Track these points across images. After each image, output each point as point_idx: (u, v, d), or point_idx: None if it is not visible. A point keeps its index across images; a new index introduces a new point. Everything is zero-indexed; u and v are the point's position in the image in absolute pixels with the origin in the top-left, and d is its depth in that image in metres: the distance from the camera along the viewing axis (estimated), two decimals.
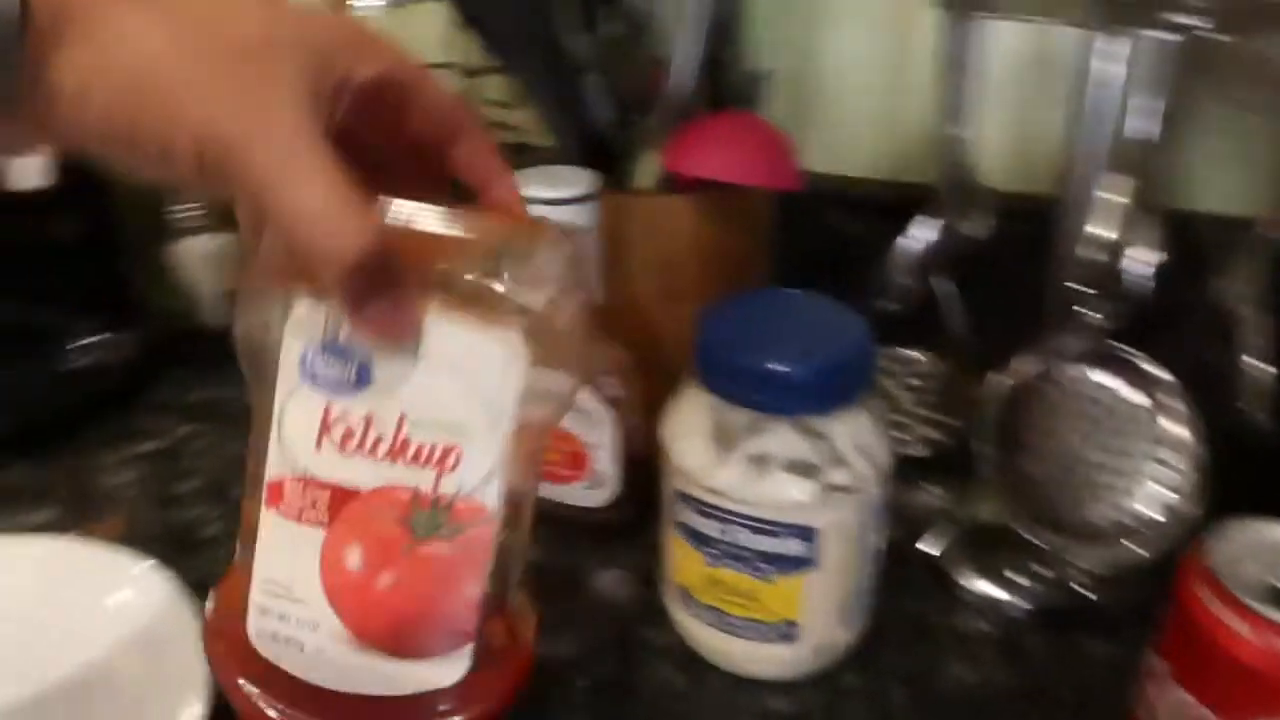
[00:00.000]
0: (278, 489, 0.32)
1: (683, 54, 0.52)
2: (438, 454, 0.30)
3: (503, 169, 0.33)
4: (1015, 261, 0.58)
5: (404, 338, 0.30)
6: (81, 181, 0.72)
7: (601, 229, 0.50)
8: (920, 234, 0.57)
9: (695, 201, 0.53)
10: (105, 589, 0.50)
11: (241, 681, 0.32)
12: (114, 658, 0.48)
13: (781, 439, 0.42)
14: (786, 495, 0.41)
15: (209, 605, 0.35)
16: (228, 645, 0.33)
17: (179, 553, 0.55)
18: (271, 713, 0.32)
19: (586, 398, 0.51)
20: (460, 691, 0.32)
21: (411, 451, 0.30)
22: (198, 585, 0.51)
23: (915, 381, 0.55)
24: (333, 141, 0.28)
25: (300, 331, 0.31)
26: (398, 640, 0.31)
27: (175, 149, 0.27)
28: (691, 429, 0.44)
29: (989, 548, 0.52)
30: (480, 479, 0.31)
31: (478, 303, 0.30)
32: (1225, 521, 0.38)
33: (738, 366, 0.42)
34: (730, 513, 0.42)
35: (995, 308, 0.57)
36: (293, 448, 0.31)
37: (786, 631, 0.45)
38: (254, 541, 0.32)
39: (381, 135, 0.32)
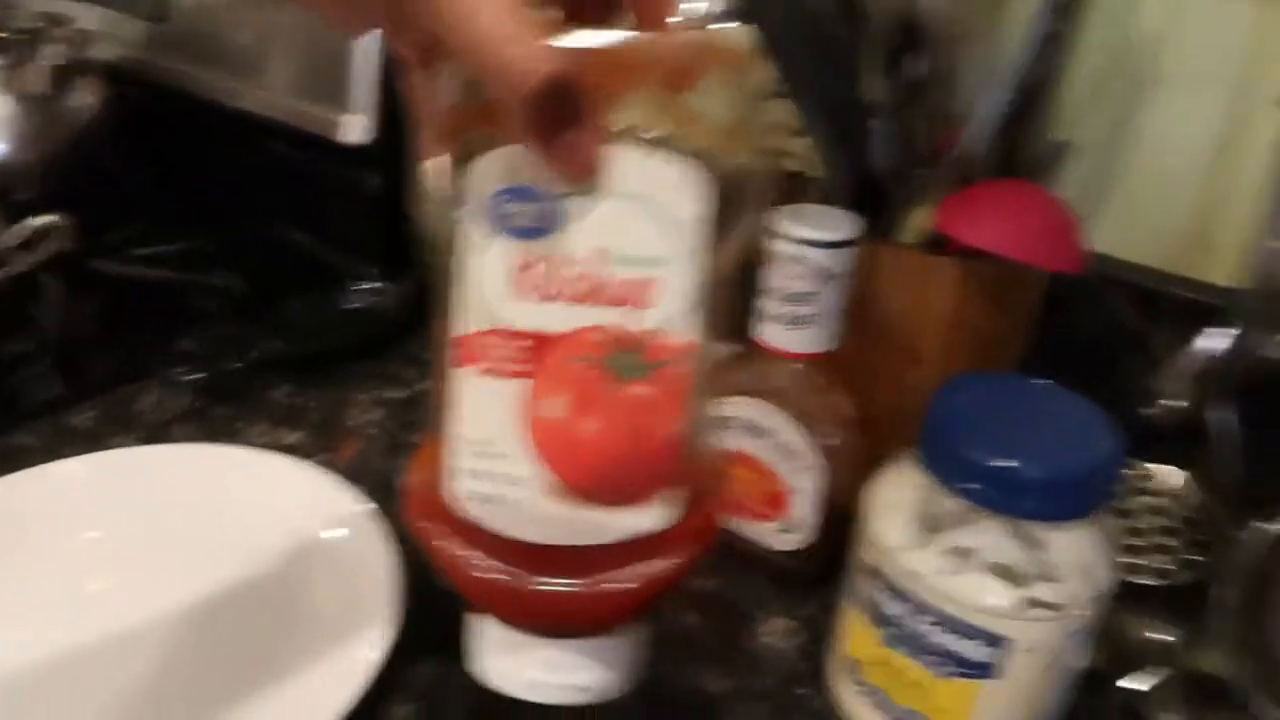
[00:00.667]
0: (472, 344, 0.29)
1: (981, 112, 0.49)
2: (636, 290, 0.28)
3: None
4: None
5: (594, 170, 0.28)
6: (391, 142, 0.78)
7: (856, 276, 0.49)
8: (1208, 344, 0.52)
9: (958, 266, 0.50)
10: (325, 522, 0.55)
11: (442, 543, 0.31)
12: (316, 586, 0.52)
13: (991, 538, 0.39)
14: (983, 598, 0.39)
15: (407, 477, 0.33)
16: (428, 512, 0.31)
17: (397, 499, 0.60)
18: (478, 573, 0.31)
19: (799, 440, 0.50)
20: (667, 536, 0.30)
21: (610, 290, 0.29)
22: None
23: (1164, 503, 0.50)
24: None
25: (485, 178, 0.28)
26: (606, 488, 0.30)
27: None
28: (897, 504, 0.42)
29: (1202, 701, 0.47)
30: (679, 311, 0.29)
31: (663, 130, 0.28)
32: None
33: (961, 449, 0.39)
34: (921, 600, 0.40)
35: (1277, 443, 0.51)
36: (486, 299, 0.29)
37: None
38: (448, 408, 0.30)
39: None
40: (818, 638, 0.51)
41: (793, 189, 0.73)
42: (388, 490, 0.60)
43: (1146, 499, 0.50)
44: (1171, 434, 0.53)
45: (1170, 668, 0.49)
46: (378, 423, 0.68)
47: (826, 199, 0.55)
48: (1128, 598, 0.51)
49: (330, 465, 0.61)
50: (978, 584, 0.39)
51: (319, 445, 0.65)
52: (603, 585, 0.30)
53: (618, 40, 0.28)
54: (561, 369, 0.29)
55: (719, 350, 0.31)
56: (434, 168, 0.29)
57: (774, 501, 0.53)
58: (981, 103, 0.49)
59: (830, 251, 0.47)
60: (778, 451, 0.51)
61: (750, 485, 0.53)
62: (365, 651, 0.46)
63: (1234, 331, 0.51)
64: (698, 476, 0.31)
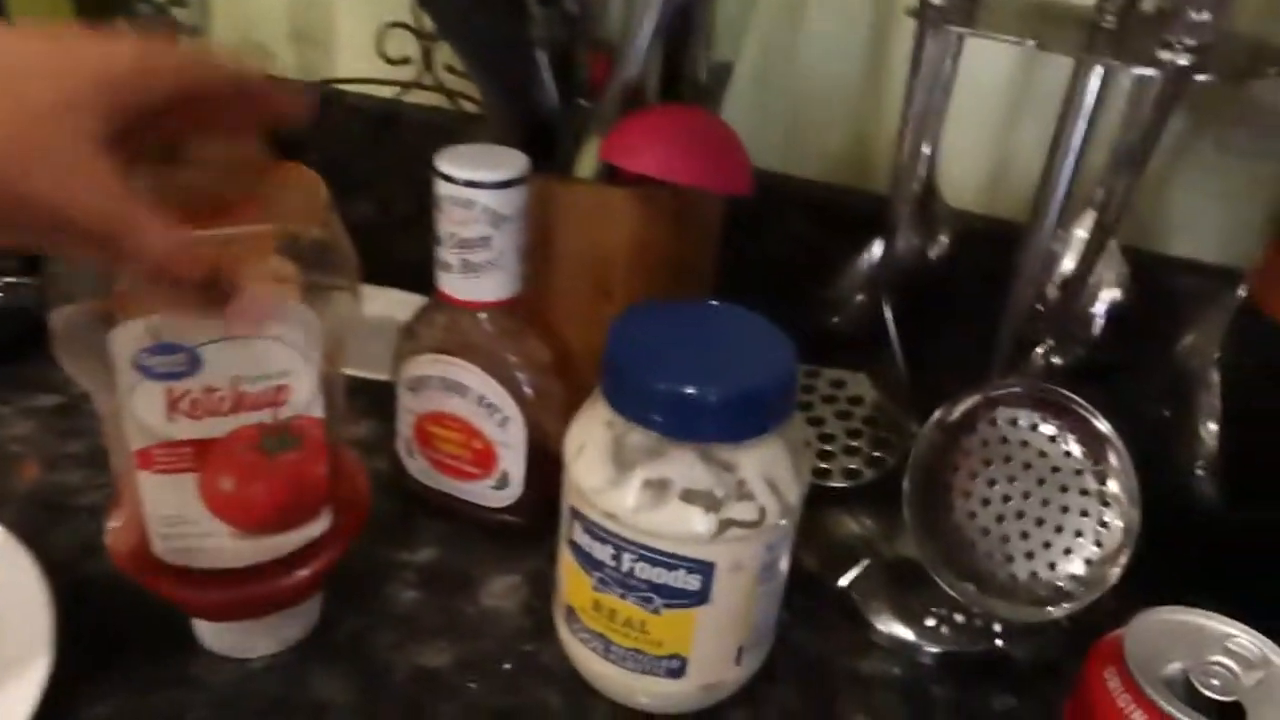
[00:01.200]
0: (147, 455, 0.39)
1: (635, 38, 0.48)
2: (272, 394, 0.39)
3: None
4: (972, 291, 0.55)
5: (254, 325, 0.38)
6: None
7: (532, 216, 0.47)
8: (874, 253, 0.54)
9: (633, 196, 0.49)
10: None
11: (162, 583, 0.42)
12: None
13: (682, 466, 0.38)
14: (684, 527, 0.38)
15: (110, 534, 0.43)
16: (139, 561, 0.42)
17: (52, 517, 0.52)
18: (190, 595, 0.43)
19: (496, 393, 0.48)
20: (326, 536, 0.44)
21: (250, 400, 0.39)
22: (68, 553, 0.49)
23: (848, 407, 0.52)
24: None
25: (127, 339, 0.36)
26: (276, 525, 0.42)
27: (27, 225, 0.31)
28: (591, 444, 0.40)
29: (907, 587, 0.49)
30: (307, 400, 0.40)
31: (278, 279, 0.38)
32: (1145, 609, 0.35)
33: (641, 383, 0.38)
34: (623, 539, 0.39)
35: (945, 338, 0.54)
36: (148, 423, 0.38)
37: (674, 666, 0.42)
38: (137, 493, 0.40)
39: (187, 121, 0.35)
40: (542, 591, 0.49)
41: (469, 132, 0.70)
42: (47, 513, 0.52)
43: (837, 405, 0.52)
44: (853, 340, 0.56)
45: (870, 559, 0.52)
46: (26, 437, 0.59)
47: (498, 140, 0.53)
48: (830, 501, 0.53)
49: None
50: (677, 514, 0.38)
51: None
52: (287, 581, 0.43)
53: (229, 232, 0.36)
54: (225, 459, 0.40)
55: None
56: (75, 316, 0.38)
57: (483, 459, 0.50)
58: (633, 28, 0.47)
59: (497, 192, 0.44)
60: (478, 407, 0.49)
61: (457, 445, 0.51)
62: (20, 689, 0.40)
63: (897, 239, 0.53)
64: (342, 489, 0.44)
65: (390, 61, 0.70)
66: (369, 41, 0.70)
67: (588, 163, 0.51)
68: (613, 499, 0.39)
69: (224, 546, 0.41)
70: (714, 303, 0.43)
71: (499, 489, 0.51)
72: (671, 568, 0.39)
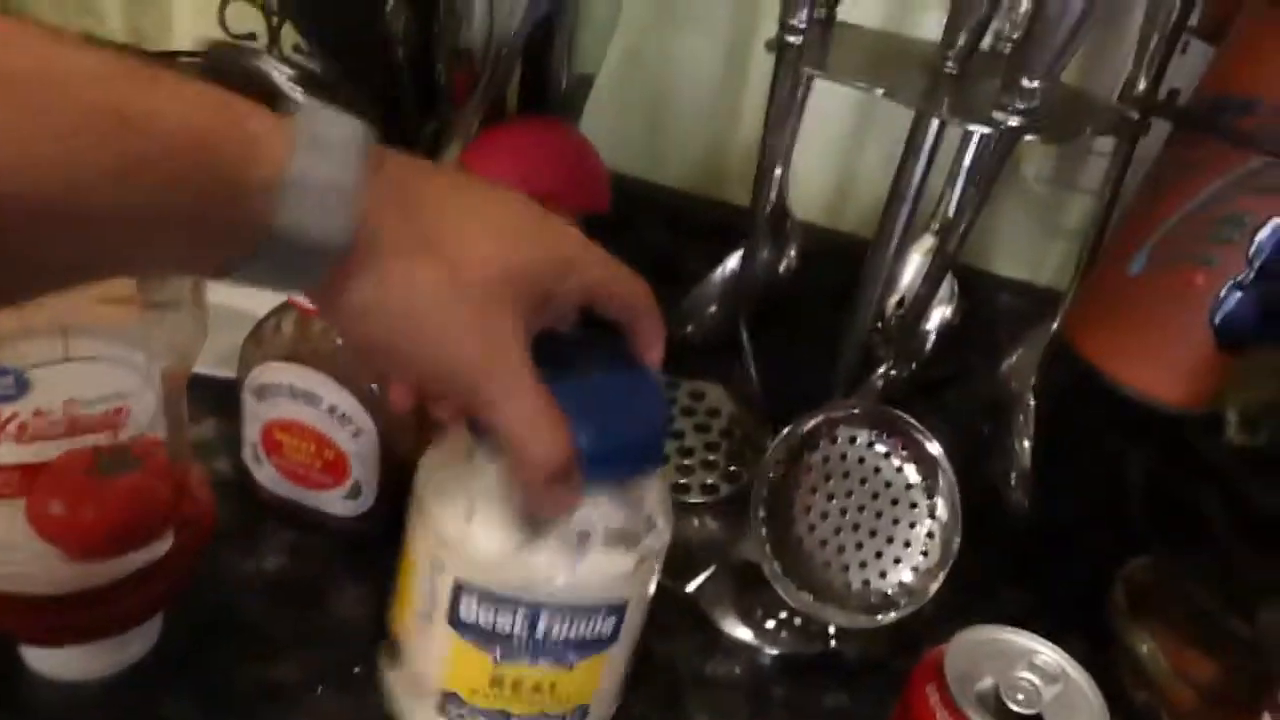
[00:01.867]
0: None
1: (496, 47, 0.48)
2: (110, 416, 0.38)
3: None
4: (820, 304, 0.58)
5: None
6: None
7: None
8: (732, 264, 0.56)
9: None
10: None
11: None
12: None
13: (604, 510, 0.37)
14: (609, 571, 0.37)
15: None
16: None
17: None
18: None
19: (346, 402, 0.47)
20: (167, 557, 0.42)
21: (86, 423, 0.38)
22: None
23: (706, 419, 0.54)
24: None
25: None
26: (113, 549, 0.40)
27: (431, 370, 0.34)
28: (485, 507, 0.37)
29: (750, 590, 0.52)
30: (148, 421, 0.40)
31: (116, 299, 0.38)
32: (963, 630, 0.38)
33: None
34: (538, 603, 0.37)
35: (797, 349, 0.57)
36: None
37: (577, 717, 0.41)
38: None
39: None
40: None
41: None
42: None
43: (696, 417, 0.54)
44: (709, 350, 0.58)
45: (717, 564, 0.54)
46: None
47: None
48: (680, 508, 0.55)
49: None
50: (601, 561, 0.37)
51: None
52: (125, 604, 0.42)
53: None
54: (56, 482, 0.38)
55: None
56: None
57: (334, 468, 0.50)
58: (496, 38, 0.47)
59: None
60: (329, 417, 0.48)
61: (307, 454, 0.50)
62: None
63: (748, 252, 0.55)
64: (185, 507, 0.43)
65: (234, 37, 0.67)
66: (211, 12, 0.67)
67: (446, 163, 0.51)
68: (525, 564, 0.36)
69: (55, 571, 0.39)
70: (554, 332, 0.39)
71: (351, 499, 0.51)
72: (591, 617, 0.38)
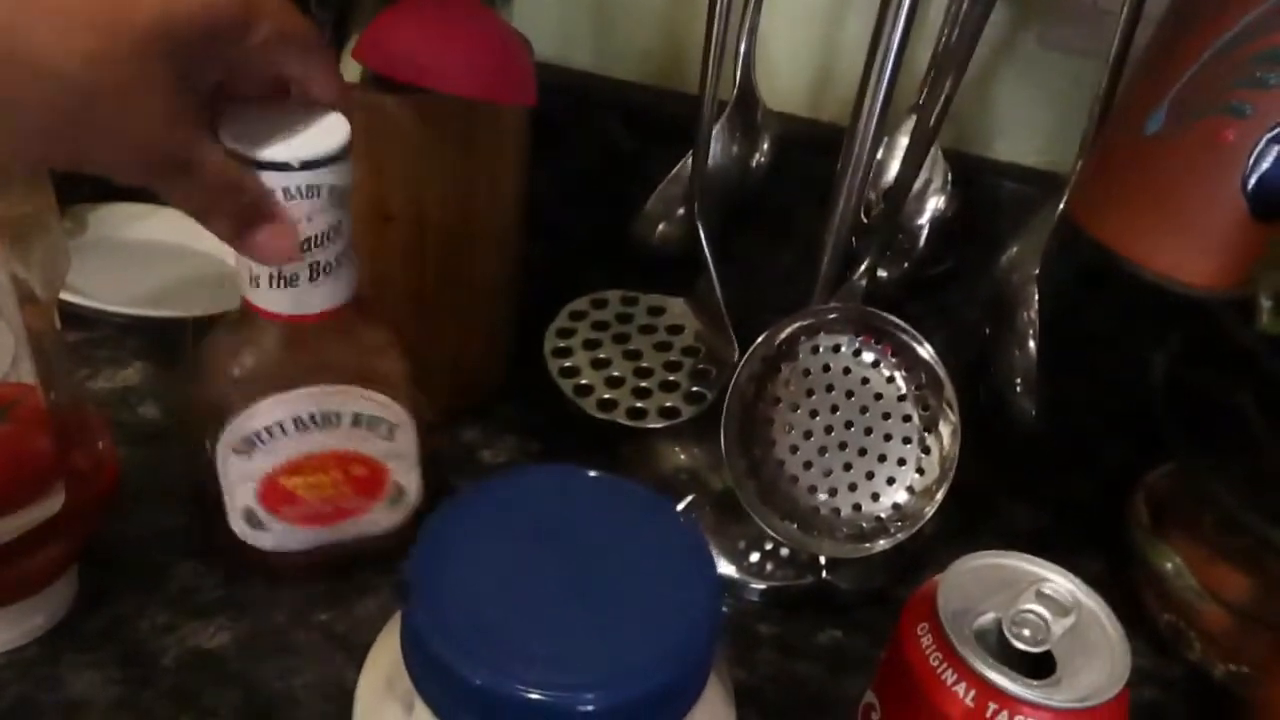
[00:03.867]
0: None
1: None
2: None
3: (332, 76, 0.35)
4: (796, 203, 0.52)
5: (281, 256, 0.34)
6: None
7: None
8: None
9: (410, 104, 0.43)
10: None
11: None
12: None
13: None
14: None
15: None
16: None
17: None
18: None
19: (379, 402, 0.40)
20: (60, 514, 0.37)
21: None
22: None
23: (667, 337, 0.48)
24: None
25: None
26: None
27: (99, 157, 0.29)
28: None
29: (732, 521, 0.47)
30: (9, 364, 0.36)
31: None
32: (960, 559, 0.33)
33: (472, 688, 0.23)
34: None
35: (769, 256, 0.51)
36: None
37: None
38: None
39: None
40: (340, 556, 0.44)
41: None
42: None
43: (656, 335, 0.48)
44: (676, 263, 0.52)
45: (696, 493, 0.49)
46: None
47: None
48: (657, 432, 0.50)
49: None
50: None
51: None
52: (15, 569, 0.37)
53: None
54: None
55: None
56: None
57: (368, 484, 0.42)
58: None
59: (341, 165, 0.35)
60: (352, 430, 0.40)
61: (330, 486, 0.41)
62: None
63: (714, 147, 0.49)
64: (78, 459, 0.38)
65: None
66: None
67: (353, 63, 0.45)
68: None
69: None
70: (578, 471, 0.29)
71: (394, 506, 0.43)
72: None
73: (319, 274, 0.36)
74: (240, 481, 0.40)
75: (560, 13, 0.55)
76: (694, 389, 0.45)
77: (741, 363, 0.42)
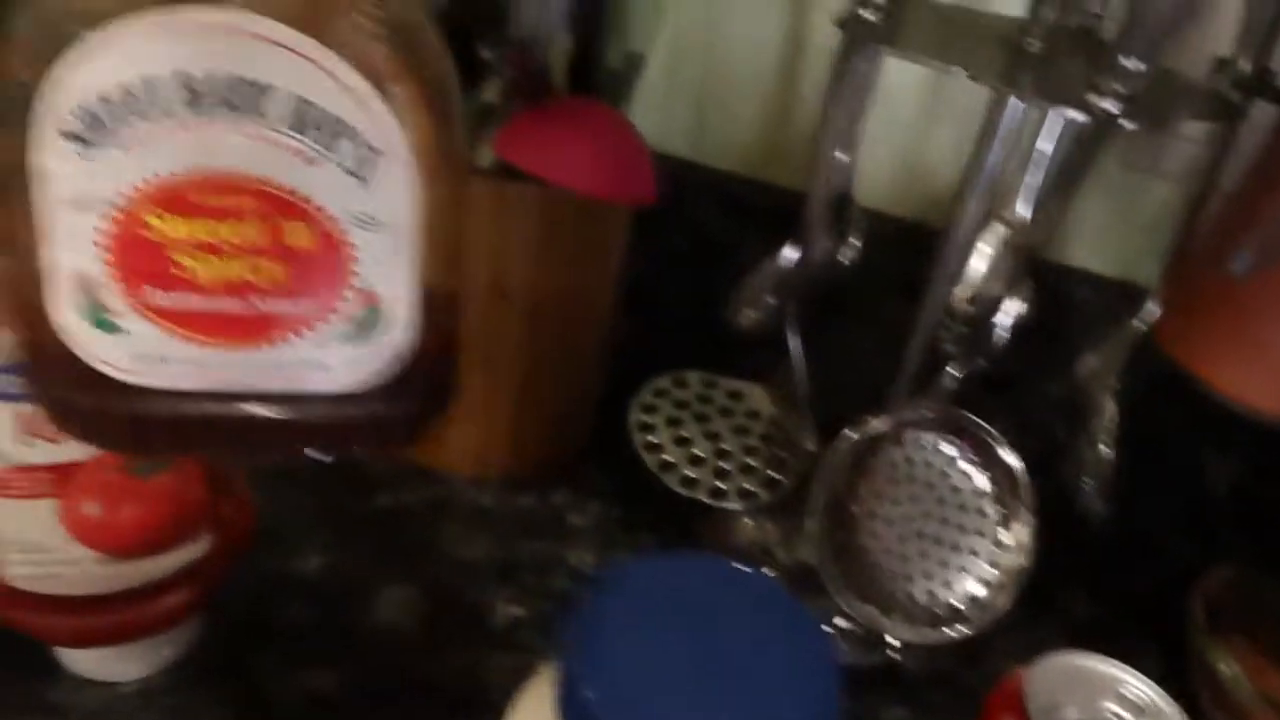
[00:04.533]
0: None
1: (542, 23, 0.45)
2: None
3: None
4: (879, 298, 0.55)
5: None
6: None
7: None
8: (788, 254, 0.53)
9: (534, 192, 0.47)
10: None
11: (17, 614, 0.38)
12: None
13: None
14: None
15: None
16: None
17: None
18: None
19: (350, 88, 0.21)
20: (203, 559, 0.40)
21: None
22: None
23: (746, 422, 0.51)
24: None
25: None
26: (148, 549, 0.38)
27: None
28: None
29: (804, 595, 0.49)
30: None
31: None
32: (1045, 657, 0.35)
33: None
34: None
35: (849, 346, 0.54)
36: None
37: None
38: None
39: None
40: (442, 600, 0.47)
41: None
42: None
43: (735, 419, 0.51)
44: (755, 346, 0.55)
45: (768, 566, 0.52)
46: None
47: None
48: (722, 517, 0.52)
49: None
50: None
51: None
52: (161, 606, 0.40)
53: None
54: (90, 483, 0.36)
55: None
56: None
57: (317, 270, 0.24)
58: (540, 10, 0.44)
59: None
60: (291, 142, 0.22)
61: (257, 256, 0.23)
62: None
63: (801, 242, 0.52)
64: (224, 507, 0.41)
65: None
66: None
67: (486, 152, 0.48)
68: None
69: (90, 572, 0.38)
70: (716, 563, 0.30)
71: (359, 331, 0.24)
72: None
73: None
74: (73, 210, 0.21)
75: (664, 104, 0.59)
76: (772, 474, 0.48)
77: (830, 451, 0.44)
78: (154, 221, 0.22)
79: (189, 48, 0.20)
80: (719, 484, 0.47)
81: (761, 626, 0.29)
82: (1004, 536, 0.45)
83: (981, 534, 0.45)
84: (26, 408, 0.34)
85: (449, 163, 0.23)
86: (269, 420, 0.25)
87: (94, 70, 0.20)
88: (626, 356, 0.59)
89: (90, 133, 0.20)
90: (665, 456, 0.49)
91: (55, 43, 0.19)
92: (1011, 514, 0.44)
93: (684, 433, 0.50)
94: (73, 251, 0.21)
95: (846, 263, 0.54)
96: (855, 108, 0.46)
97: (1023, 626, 0.50)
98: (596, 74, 0.49)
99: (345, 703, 0.43)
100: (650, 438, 0.49)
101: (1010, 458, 0.44)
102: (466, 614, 0.48)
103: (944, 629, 0.44)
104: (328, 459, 0.26)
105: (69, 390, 0.24)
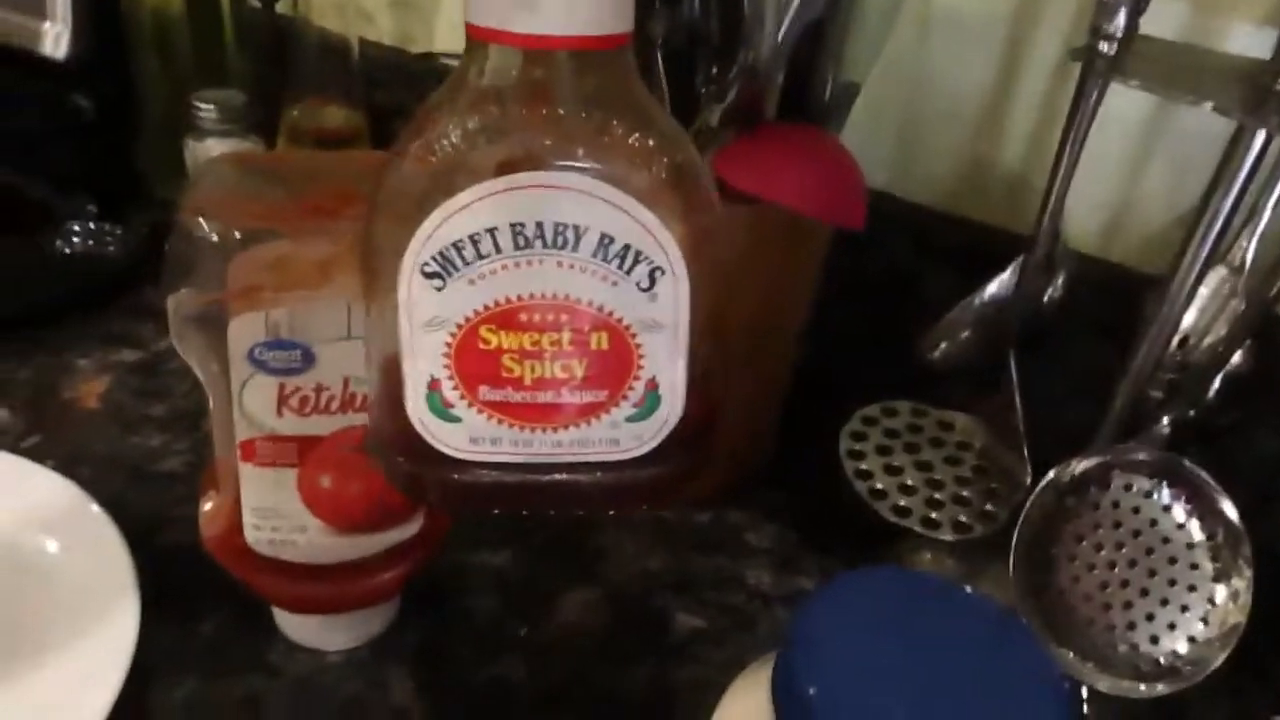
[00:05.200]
0: (250, 447, 0.38)
1: (765, 50, 0.46)
2: None
3: None
4: (1088, 341, 0.54)
5: None
6: (105, 58, 0.67)
7: None
8: (996, 291, 0.52)
9: (746, 214, 0.48)
10: (42, 528, 0.46)
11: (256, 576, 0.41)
12: (35, 606, 0.44)
13: None
14: None
15: (202, 518, 0.42)
16: (229, 548, 0.41)
17: (132, 483, 0.52)
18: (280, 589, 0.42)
19: (641, 222, 0.26)
20: (415, 538, 0.42)
21: (359, 401, 0.38)
22: (143, 522, 0.48)
23: (957, 453, 0.50)
24: None
25: (245, 331, 0.36)
26: (369, 525, 0.41)
27: None
28: None
29: None
30: None
31: None
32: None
33: None
34: None
35: (1052, 387, 0.53)
36: (257, 416, 0.38)
37: None
38: (236, 483, 0.39)
39: None
40: (623, 607, 0.48)
41: None
42: (121, 478, 0.52)
43: (946, 450, 0.51)
44: (951, 378, 0.54)
45: None
46: (105, 394, 0.58)
47: None
48: (912, 541, 0.52)
49: (46, 450, 0.52)
50: None
51: (31, 424, 0.55)
52: (374, 580, 0.43)
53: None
54: (327, 457, 0.39)
55: None
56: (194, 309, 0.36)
57: (611, 368, 0.28)
58: (766, 40, 0.45)
59: None
60: (594, 263, 0.26)
61: (564, 359, 0.28)
62: (102, 681, 0.40)
63: (1010, 278, 0.52)
64: None
65: None
66: None
67: None
68: None
69: (315, 542, 0.41)
70: (941, 583, 0.30)
71: (639, 418, 0.29)
72: None
73: None
74: (427, 330, 0.27)
75: (865, 134, 0.59)
76: (987, 507, 0.47)
77: (1037, 490, 0.43)
78: (488, 335, 0.28)
79: (521, 204, 0.26)
80: (932, 514, 0.46)
81: (989, 648, 0.29)
82: (1218, 592, 0.42)
83: (1193, 588, 0.43)
84: (286, 381, 0.37)
85: (715, 269, 0.29)
86: (570, 485, 0.31)
87: (450, 226, 0.26)
88: (807, 383, 0.59)
89: (444, 272, 0.27)
90: (876, 484, 0.49)
91: (423, 208, 0.26)
92: (1227, 568, 0.42)
93: (895, 462, 0.50)
94: (425, 361, 0.28)
95: (1047, 301, 0.53)
96: (1081, 140, 0.46)
97: (1226, 692, 0.47)
98: (810, 102, 0.50)
99: (530, 695, 0.44)
100: (860, 465, 0.49)
101: (1230, 509, 0.42)
102: (647, 623, 0.49)
103: (1147, 683, 0.42)
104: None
105: (418, 466, 0.30)
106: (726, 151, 0.47)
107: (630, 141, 0.25)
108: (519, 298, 0.27)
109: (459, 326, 0.27)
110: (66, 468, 0.50)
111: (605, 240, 0.26)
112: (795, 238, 0.50)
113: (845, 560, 0.53)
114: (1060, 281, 0.52)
